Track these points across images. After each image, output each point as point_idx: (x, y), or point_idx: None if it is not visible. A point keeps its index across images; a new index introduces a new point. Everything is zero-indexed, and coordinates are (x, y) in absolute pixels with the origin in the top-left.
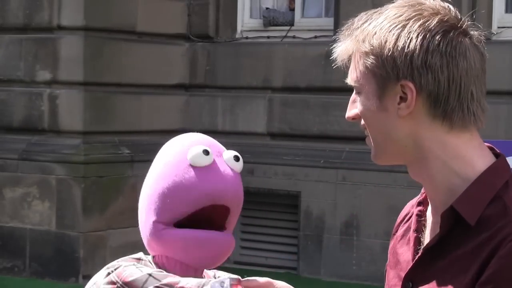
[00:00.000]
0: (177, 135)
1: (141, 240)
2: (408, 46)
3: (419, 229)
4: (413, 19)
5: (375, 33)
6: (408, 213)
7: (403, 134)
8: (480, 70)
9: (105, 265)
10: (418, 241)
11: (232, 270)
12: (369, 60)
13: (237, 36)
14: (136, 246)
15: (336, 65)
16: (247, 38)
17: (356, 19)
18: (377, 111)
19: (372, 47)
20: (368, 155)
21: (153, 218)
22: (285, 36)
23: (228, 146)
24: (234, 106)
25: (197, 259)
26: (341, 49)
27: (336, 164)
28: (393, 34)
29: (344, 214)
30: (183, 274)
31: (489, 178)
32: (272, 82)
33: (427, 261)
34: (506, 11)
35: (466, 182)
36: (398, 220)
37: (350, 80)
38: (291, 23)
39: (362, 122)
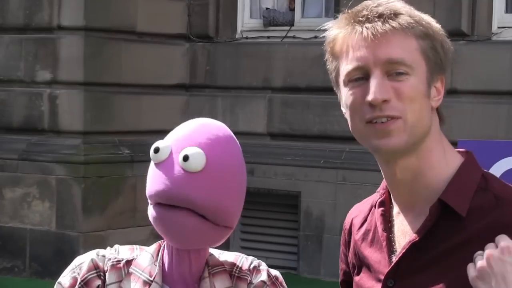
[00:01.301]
0: None
1: (141, 241)
2: (449, 46)
3: (387, 229)
4: (434, 21)
5: (425, 21)
6: (361, 218)
7: (430, 123)
8: None
9: None
10: (389, 240)
11: None
12: (428, 42)
13: (237, 36)
14: None
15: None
16: (247, 38)
17: (367, 4)
18: (423, 96)
19: (432, 31)
20: (369, 155)
21: None
22: (285, 36)
23: None
24: (234, 106)
25: (163, 236)
26: (379, 25)
27: (336, 164)
28: (438, 28)
29: (344, 214)
30: (170, 252)
31: (468, 172)
32: (272, 82)
33: (412, 256)
34: (506, 11)
35: (444, 175)
36: (346, 227)
37: (398, 55)
38: (291, 23)
39: (395, 104)
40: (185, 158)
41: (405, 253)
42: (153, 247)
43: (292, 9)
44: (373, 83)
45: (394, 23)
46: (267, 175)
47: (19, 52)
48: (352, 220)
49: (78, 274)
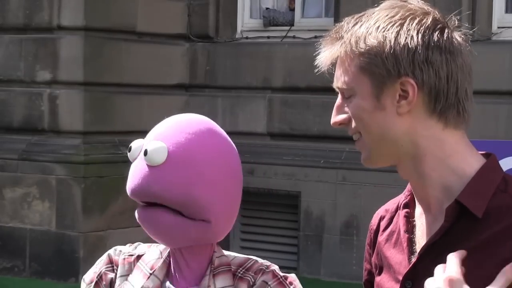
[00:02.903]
0: None
1: (140, 241)
2: (410, 43)
3: (409, 230)
4: (409, 18)
5: (371, 33)
6: (388, 219)
7: (401, 132)
8: (471, 67)
9: None
10: (410, 241)
11: None
12: (366, 59)
13: (237, 36)
14: None
15: (319, 72)
16: (247, 38)
17: (340, 25)
18: (373, 111)
19: (369, 47)
20: None
21: None
22: (285, 36)
23: None
24: (234, 106)
25: (150, 236)
26: (326, 55)
27: (336, 164)
28: (392, 32)
29: (344, 214)
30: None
31: (488, 174)
32: (272, 82)
33: (429, 258)
34: (506, 11)
35: (464, 178)
36: (373, 228)
37: (340, 84)
38: (291, 23)
39: (353, 125)
40: (145, 153)
41: (422, 255)
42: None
43: (292, 9)
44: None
45: (335, 49)
46: (267, 175)
47: (19, 52)
48: (379, 221)
49: (96, 268)
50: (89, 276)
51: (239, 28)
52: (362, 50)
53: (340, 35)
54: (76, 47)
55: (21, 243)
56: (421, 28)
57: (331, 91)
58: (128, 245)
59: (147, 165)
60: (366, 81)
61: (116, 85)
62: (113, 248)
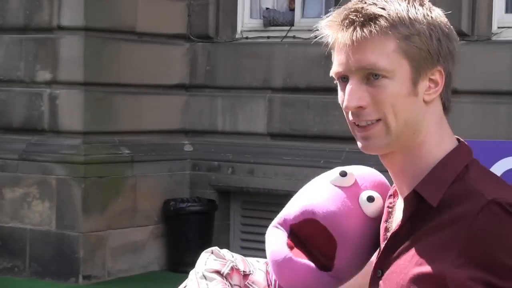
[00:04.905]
0: (177, 135)
1: (141, 241)
2: (449, 31)
3: (388, 220)
4: (431, 8)
5: (415, 18)
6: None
7: (422, 119)
8: None
9: (105, 265)
10: (386, 230)
11: None
12: (411, 43)
13: (237, 36)
14: (136, 246)
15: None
16: (247, 38)
17: (357, 6)
18: (407, 97)
19: (415, 30)
20: (369, 155)
21: None
22: (285, 36)
23: (228, 146)
24: (234, 106)
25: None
26: (345, 36)
27: (336, 164)
28: (434, 18)
29: None
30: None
31: (450, 162)
32: (272, 82)
33: (394, 245)
34: (506, 11)
35: (430, 166)
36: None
37: (371, 65)
38: (291, 23)
39: (373, 109)
40: (370, 199)
41: (387, 243)
42: (263, 265)
43: (292, 9)
44: (347, 90)
45: (366, 30)
46: (267, 175)
47: (19, 52)
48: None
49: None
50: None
51: (239, 28)
52: (407, 33)
53: (366, 15)
54: (76, 47)
55: (21, 243)
56: (444, 20)
57: (331, 91)
58: (224, 251)
59: (361, 209)
60: (405, 65)
61: (116, 85)
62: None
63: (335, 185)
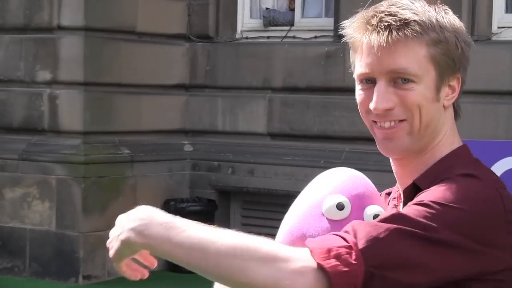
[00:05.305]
0: (177, 135)
1: None
2: (469, 42)
3: None
4: (454, 17)
5: (444, 26)
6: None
7: (441, 123)
8: None
9: (105, 265)
10: None
11: None
12: (440, 50)
13: (237, 36)
14: None
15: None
16: (247, 38)
17: (384, 9)
18: (432, 102)
19: (444, 37)
20: (369, 155)
21: None
22: (285, 36)
23: (228, 146)
24: (234, 106)
25: None
26: (377, 38)
27: (336, 164)
28: (458, 26)
29: None
30: None
31: (449, 160)
32: (272, 82)
33: None
34: (506, 11)
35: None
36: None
37: (403, 68)
38: (291, 23)
39: (399, 111)
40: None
41: None
42: None
43: (292, 9)
44: (376, 93)
45: (401, 33)
46: (267, 175)
47: (19, 52)
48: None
49: None
50: None
51: (239, 28)
52: (437, 40)
53: (403, 19)
54: (76, 47)
55: (21, 243)
56: (464, 27)
57: (331, 91)
58: None
59: None
60: (432, 71)
61: (116, 85)
62: None
63: (330, 219)
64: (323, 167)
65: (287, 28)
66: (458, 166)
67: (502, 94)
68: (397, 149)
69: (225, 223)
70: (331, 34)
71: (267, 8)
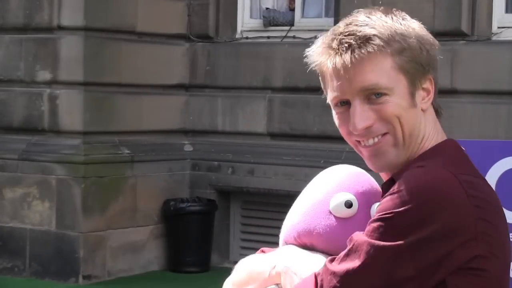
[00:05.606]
0: (177, 135)
1: (141, 241)
2: (431, 41)
3: None
4: (411, 20)
5: (404, 33)
6: None
7: (423, 126)
8: None
9: (105, 265)
10: None
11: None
12: (405, 58)
13: (237, 36)
14: (135, 246)
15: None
16: (247, 38)
17: (345, 30)
18: (409, 109)
19: (407, 44)
20: None
21: None
22: (285, 36)
23: (228, 146)
24: (234, 106)
25: None
26: (338, 60)
27: (336, 164)
28: (419, 30)
29: None
30: None
31: (426, 154)
32: (272, 82)
33: None
34: (506, 11)
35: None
36: None
37: (373, 85)
38: (291, 23)
39: (379, 126)
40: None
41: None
42: None
43: (292, 9)
44: (352, 114)
45: (363, 51)
46: (267, 175)
47: (19, 52)
48: None
49: None
50: None
51: (239, 28)
52: (400, 47)
53: (363, 37)
54: (76, 47)
55: (21, 243)
56: (423, 27)
57: None
58: None
59: None
60: (403, 80)
61: (116, 85)
62: None
63: (338, 217)
64: (323, 167)
65: (287, 28)
66: (427, 159)
67: (502, 94)
68: (386, 164)
69: (225, 223)
70: None
71: (267, 8)
